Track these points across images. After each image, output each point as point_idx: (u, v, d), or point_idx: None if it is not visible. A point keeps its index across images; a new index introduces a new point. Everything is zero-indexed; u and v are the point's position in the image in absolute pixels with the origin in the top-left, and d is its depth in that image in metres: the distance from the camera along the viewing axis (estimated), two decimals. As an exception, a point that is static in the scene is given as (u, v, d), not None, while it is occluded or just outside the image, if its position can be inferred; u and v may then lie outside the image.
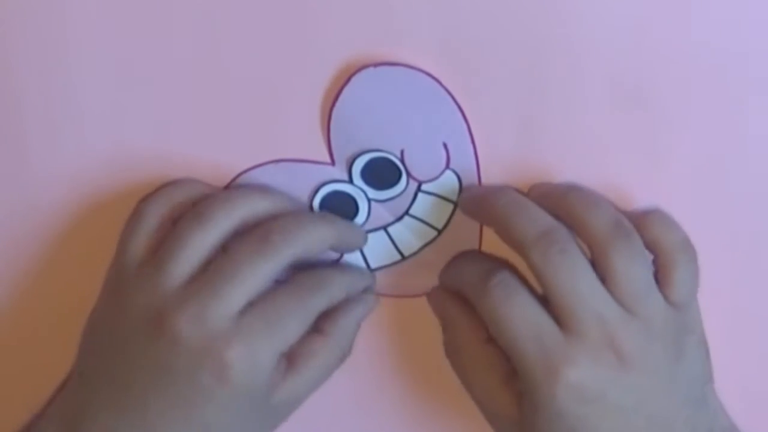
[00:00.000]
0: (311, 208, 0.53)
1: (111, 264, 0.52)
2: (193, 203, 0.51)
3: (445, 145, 0.51)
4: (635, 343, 0.48)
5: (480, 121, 0.51)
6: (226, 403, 0.49)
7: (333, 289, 0.52)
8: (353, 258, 0.54)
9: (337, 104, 0.51)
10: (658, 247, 0.50)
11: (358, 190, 0.53)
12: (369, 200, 0.53)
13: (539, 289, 0.49)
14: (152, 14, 0.50)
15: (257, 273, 0.49)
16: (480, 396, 0.52)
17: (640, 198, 0.52)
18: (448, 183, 0.52)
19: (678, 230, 0.50)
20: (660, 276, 0.50)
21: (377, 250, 0.54)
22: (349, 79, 0.50)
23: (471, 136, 0.51)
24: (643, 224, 0.50)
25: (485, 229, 0.53)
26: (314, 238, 0.51)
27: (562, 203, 0.50)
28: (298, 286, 0.51)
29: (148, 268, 0.50)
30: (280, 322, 0.49)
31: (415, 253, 0.54)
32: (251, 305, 0.49)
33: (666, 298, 0.49)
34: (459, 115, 0.51)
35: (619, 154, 0.51)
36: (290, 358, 0.50)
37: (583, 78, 0.50)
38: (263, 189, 0.52)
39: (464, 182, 0.52)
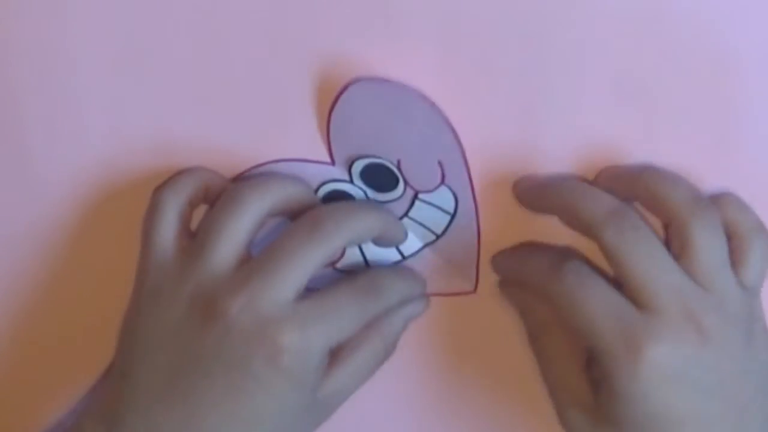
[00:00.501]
0: (311, 207, 0.53)
1: (140, 260, 0.51)
2: (206, 189, 0.51)
3: (440, 163, 0.51)
4: (713, 318, 0.47)
5: (480, 121, 0.50)
6: (277, 391, 0.48)
7: (392, 296, 0.52)
8: (353, 257, 0.54)
9: (336, 108, 0.50)
10: (733, 228, 0.49)
11: (358, 189, 0.52)
12: (369, 200, 0.53)
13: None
14: (152, 15, 0.50)
15: (309, 260, 0.49)
16: (556, 383, 0.51)
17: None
18: (443, 197, 0.52)
19: (753, 213, 0.50)
20: (734, 257, 0.49)
21: (377, 249, 0.54)
22: (346, 87, 0.49)
23: (465, 160, 0.50)
24: (718, 206, 0.49)
25: (484, 230, 0.53)
26: (364, 227, 0.51)
27: (638, 181, 0.49)
28: (359, 287, 0.51)
29: (187, 257, 0.50)
30: (335, 316, 0.49)
31: (415, 254, 0.54)
32: (308, 295, 0.49)
33: (738, 279, 0.49)
34: (454, 140, 0.50)
35: (621, 153, 0.51)
36: (335, 352, 0.50)
37: (584, 77, 0.50)
38: (293, 176, 0.52)
39: (460, 199, 0.52)
